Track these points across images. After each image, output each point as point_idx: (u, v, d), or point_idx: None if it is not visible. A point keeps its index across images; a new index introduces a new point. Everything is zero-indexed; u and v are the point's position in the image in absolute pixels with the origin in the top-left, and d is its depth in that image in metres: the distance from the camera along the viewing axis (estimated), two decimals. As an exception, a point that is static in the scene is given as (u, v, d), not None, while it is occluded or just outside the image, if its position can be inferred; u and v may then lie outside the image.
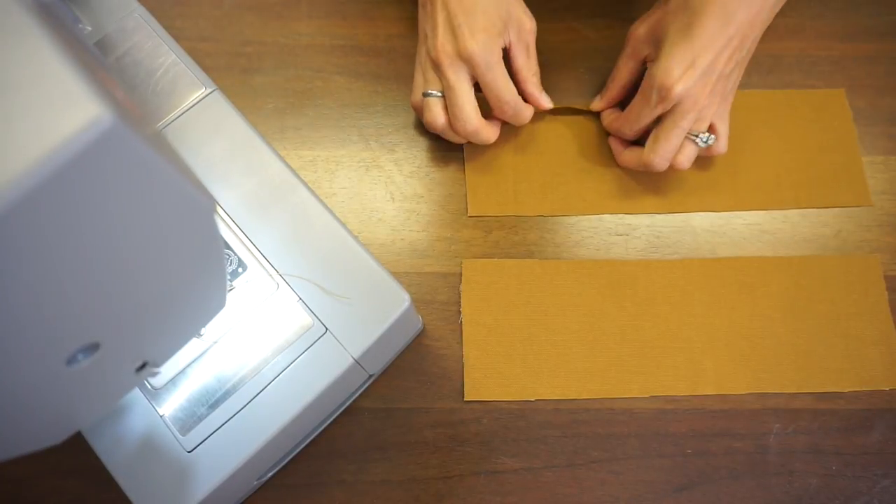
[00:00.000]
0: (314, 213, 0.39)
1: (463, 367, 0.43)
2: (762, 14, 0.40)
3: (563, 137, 0.49)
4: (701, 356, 0.44)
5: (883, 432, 0.42)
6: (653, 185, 0.48)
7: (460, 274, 0.45)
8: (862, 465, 0.41)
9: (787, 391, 0.43)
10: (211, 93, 0.42)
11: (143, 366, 0.28)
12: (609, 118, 0.48)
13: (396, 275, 0.39)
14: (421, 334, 0.44)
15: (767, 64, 0.51)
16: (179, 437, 0.35)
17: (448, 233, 0.47)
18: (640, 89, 0.44)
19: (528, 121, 0.46)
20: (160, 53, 0.43)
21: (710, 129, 0.44)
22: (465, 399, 0.43)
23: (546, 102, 0.47)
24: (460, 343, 0.44)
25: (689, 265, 0.46)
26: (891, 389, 0.43)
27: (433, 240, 0.46)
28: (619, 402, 0.43)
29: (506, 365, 0.43)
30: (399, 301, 0.37)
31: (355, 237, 0.39)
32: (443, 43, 0.42)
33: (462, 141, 0.46)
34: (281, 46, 0.52)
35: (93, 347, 0.23)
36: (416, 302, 0.44)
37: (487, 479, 0.41)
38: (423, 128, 0.49)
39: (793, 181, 0.48)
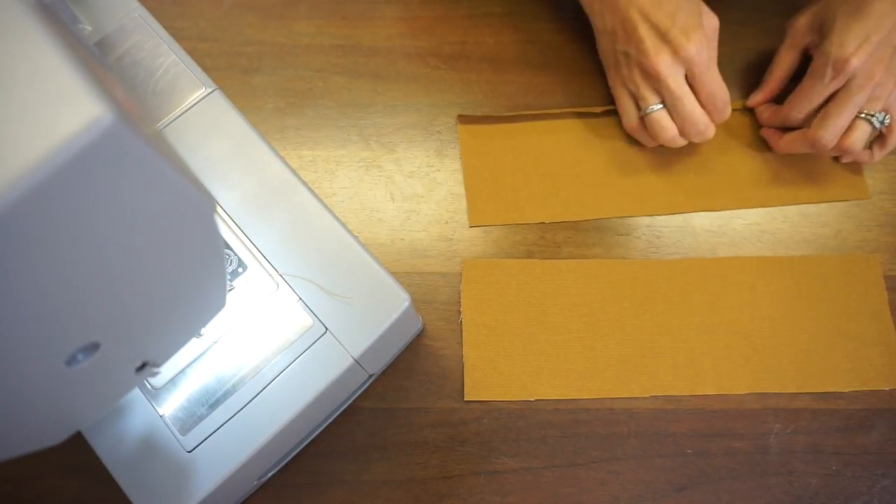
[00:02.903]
0: (314, 213, 0.39)
1: (463, 367, 0.43)
2: None
3: (561, 143, 0.49)
4: (701, 356, 0.44)
5: (883, 432, 0.42)
6: (653, 185, 0.48)
7: (460, 274, 0.45)
8: (862, 465, 0.41)
9: (787, 391, 0.43)
10: (211, 93, 0.42)
11: (143, 366, 0.28)
12: (768, 111, 0.48)
13: (396, 275, 0.39)
14: (421, 334, 0.44)
15: (768, 64, 0.51)
16: (179, 437, 0.35)
17: (448, 233, 0.47)
18: (811, 69, 0.44)
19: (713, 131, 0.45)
20: (160, 53, 0.43)
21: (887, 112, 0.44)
22: (465, 399, 0.43)
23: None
24: (460, 343, 0.44)
25: (689, 265, 0.46)
26: (891, 389, 0.43)
27: (433, 240, 0.46)
28: (619, 402, 0.43)
29: (506, 365, 0.43)
30: (399, 301, 0.37)
31: (355, 237, 0.39)
32: (656, 53, 0.42)
33: (682, 144, 0.45)
34: (281, 46, 0.52)
35: (93, 347, 0.23)
36: (416, 302, 0.44)
37: (487, 479, 0.41)
38: (422, 128, 0.49)
39: (791, 176, 0.48)
